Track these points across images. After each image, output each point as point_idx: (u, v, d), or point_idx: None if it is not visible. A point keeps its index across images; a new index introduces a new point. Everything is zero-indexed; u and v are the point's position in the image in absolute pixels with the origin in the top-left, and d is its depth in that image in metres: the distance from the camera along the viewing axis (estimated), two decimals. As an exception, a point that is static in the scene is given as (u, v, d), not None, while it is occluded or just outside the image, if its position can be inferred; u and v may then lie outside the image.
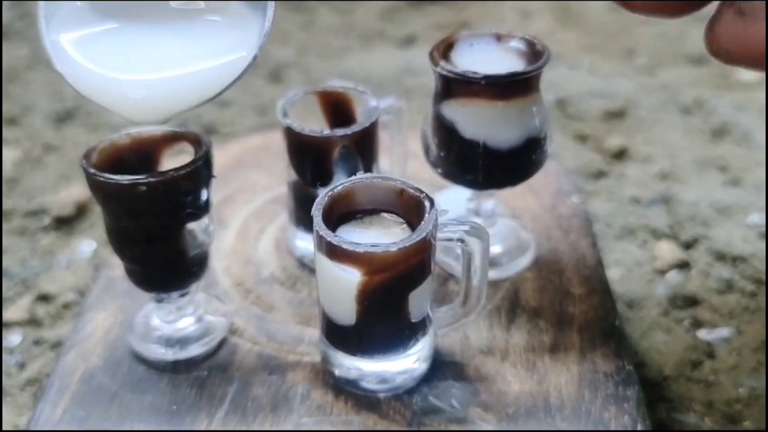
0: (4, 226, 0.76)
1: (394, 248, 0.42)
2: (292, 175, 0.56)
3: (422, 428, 0.46)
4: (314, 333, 0.52)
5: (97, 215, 0.77)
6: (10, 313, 0.65)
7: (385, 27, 1.20)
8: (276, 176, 0.69)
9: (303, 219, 0.57)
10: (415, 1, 1.28)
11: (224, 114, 0.96)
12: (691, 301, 0.64)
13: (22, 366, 0.61)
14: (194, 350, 0.52)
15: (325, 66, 1.09)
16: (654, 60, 1.09)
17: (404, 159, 0.61)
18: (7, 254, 0.72)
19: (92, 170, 0.46)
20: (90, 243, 0.73)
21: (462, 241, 0.46)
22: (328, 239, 0.43)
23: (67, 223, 0.76)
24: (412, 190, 0.46)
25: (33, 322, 0.65)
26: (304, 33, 1.19)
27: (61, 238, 0.75)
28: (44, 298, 0.67)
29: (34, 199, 0.80)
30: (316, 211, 0.44)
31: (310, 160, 0.55)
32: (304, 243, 0.58)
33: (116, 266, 0.59)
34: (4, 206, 0.79)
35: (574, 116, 0.95)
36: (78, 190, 0.78)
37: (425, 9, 1.28)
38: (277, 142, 0.73)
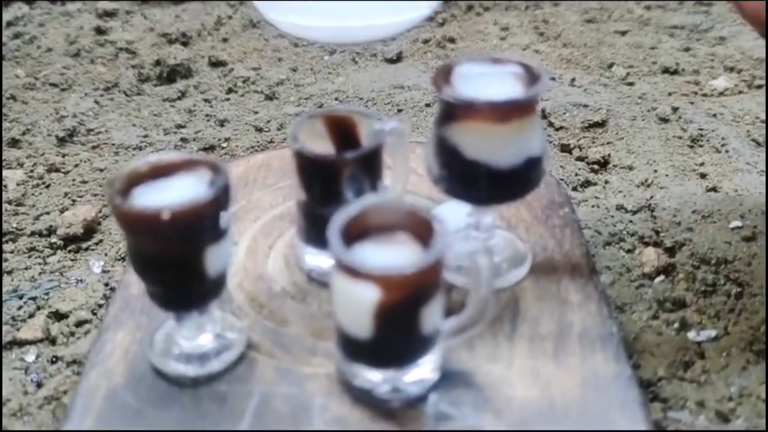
0: (13, 246, 0.77)
1: (410, 269, 0.45)
2: (301, 195, 0.59)
3: (438, 435, 0.49)
4: (328, 345, 0.54)
5: (105, 233, 0.79)
6: (24, 332, 0.66)
7: (374, 44, 1.23)
8: (280, 193, 0.71)
9: (312, 236, 0.60)
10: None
11: (223, 131, 0.98)
12: (679, 304, 0.67)
13: (39, 384, 0.62)
14: (214, 365, 0.53)
15: (317, 83, 1.11)
16: (631, 71, 1.12)
17: (406, 176, 0.64)
18: (17, 274, 0.73)
19: (117, 200, 0.48)
20: (99, 261, 0.75)
21: (470, 257, 0.49)
22: (347, 261, 0.45)
23: (75, 242, 0.77)
24: (422, 212, 0.49)
25: (47, 340, 0.66)
26: (296, 51, 1.21)
27: (70, 256, 0.76)
28: (57, 317, 0.68)
29: (41, 219, 0.81)
30: (334, 233, 0.46)
31: (319, 180, 0.57)
32: (314, 258, 0.61)
33: (132, 285, 0.61)
34: (11, 226, 0.80)
35: (558, 127, 0.98)
36: (85, 209, 0.79)
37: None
38: (279, 159, 0.76)
